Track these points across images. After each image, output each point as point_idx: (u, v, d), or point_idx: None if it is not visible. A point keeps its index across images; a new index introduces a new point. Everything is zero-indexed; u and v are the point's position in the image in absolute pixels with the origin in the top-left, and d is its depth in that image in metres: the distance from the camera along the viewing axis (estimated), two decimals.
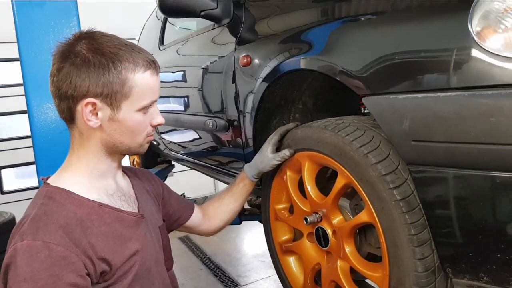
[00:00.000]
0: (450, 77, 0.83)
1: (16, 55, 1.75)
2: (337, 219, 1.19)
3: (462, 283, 0.94)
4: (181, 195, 2.94)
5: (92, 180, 1.01)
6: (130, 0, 4.32)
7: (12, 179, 5.73)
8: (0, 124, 5.65)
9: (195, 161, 2.39)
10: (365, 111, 1.34)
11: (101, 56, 0.93)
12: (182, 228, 1.37)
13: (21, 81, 1.80)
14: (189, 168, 2.83)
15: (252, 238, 4.55)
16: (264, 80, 1.40)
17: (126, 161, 3.32)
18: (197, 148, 2.32)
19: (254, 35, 1.58)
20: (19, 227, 0.90)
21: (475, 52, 0.79)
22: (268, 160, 1.34)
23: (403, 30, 0.93)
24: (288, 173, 1.34)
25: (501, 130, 0.76)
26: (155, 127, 1.06)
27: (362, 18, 1.06)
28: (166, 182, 1.58)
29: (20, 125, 5.28)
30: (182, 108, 2.25)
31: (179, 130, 2.39)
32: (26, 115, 1.82)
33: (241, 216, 2.06)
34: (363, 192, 1.05)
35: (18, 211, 2.27)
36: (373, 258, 1.19)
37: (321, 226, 1.24)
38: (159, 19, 3.13)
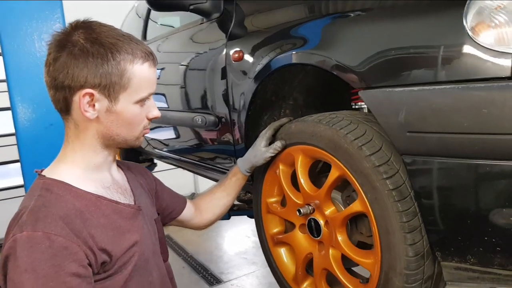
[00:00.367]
0: (444, 70, 0.88)
1: None
2: (329, 210, 1.23)
3: (450, 266, 1.00)
4: (192, 194, 2.94)
5: (88, 172, 1.00)
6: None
7: None
8: None
9: (181, 158, 2.40)
10: (356, 107, 1.38)
11: (100, 46, 0.92)
12: (174, 222, 1.38)
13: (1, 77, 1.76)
14: (172, 167, 2.82)
15: (232, 236, 4.57)
16: (257, 75, 1.43)
17: None
18: (183, 145, 2.32)
19: (245, 30, 1.60)
20: (16, 219, 0.89)
21: (469, 47, 0.85)
22: (261, 153, 1.36)
23: (399, 25, 0.98)
24: (280, 167, 1.38)
25: (492, 120, 0.82)
26: (151, 120, 1.06)
27: (358, 14, 1.10)
28: None
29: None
30: (167, 105, 2.25)
31: (164, 127, 2.38)
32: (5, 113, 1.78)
33: (230, 211, 2.08)
34: (356, 183, 1.10)
35: None
36: (363, 246, 1.24)
37: (313, 217, 1.27)
38: (140, 17, 3.11)
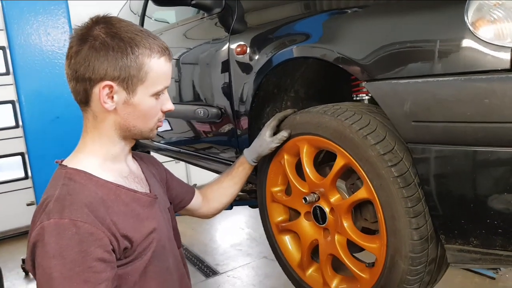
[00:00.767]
0: (448, 63, 0.93)
1: None
2: (335, 198, 1.28)
3: (453, 248, 1.06)
4: (193, 185, 2.97)
5: (107, 162, 1.04)
6: None
7: None
8: None
9: (181, 150, 2.43)
10: (357, 98, 1.43)
11: (120, 40, 0.96)
12: (183, 211, 1.42)
13: None
14: (165, 159, 2.84)
15: (226, 228, 4.63)
16: (261, 69, 1.47)
17: None
18: (183, 137, 2.36)
19: (248, 24, 1.64)
20: (42, 207, 0.92)
21: (470, 41, 0.90)
22: (267, 143, 1.41)
23: (404, 21, 1.03)
24: (285, 157, 1.42)
25: (493, 110, 0.88)
26: (165, 113, 1.10)
27: (364, 8, 1.15)
28: None
29: None
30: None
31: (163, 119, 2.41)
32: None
33: (233, 202, 2.12)
34: (362, 171, 1.15)
35: None
36: (367, 232, 1.29)
37: (318, 205, 1.32)
38: (135, 13, 3.11)
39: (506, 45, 0.87)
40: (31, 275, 3.86)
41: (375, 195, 1.13)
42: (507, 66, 0.86)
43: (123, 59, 0.96)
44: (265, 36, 1.50)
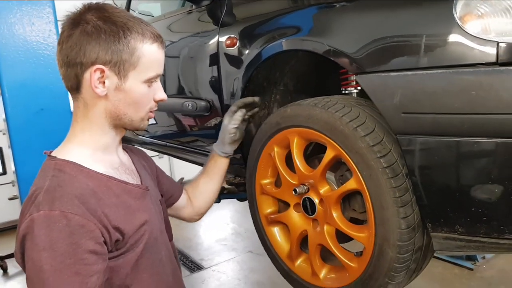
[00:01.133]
0: (436, 56, 0.96)
1: None
2: (324, 189, 1.30)
3: (439, 236, 1.09)
4: (181, 178, 2.96)
5: (98, 153, 1.03)
6: None
7: None
8: None
9: (167, 144, 2.42)
10: (346, 92, 1.46)
11: (112, 24, 0.95)
12: (170, 210, 1.39)
13: None
14: (154, 154, 2.84)
15: (211, 223, 4.63)
16: (251, 61, 1.48)
17: None
18: (170, 131, 2.35)
19: (238, 16, 1.65)
20: (31, 199, 0.90)
21: (458, 35, 0.94)
22: (225, 128, 1.43)
23: (395, 14, 1.06)
24: (275, 149, 1.44)
25: (480, 101, 0.91)
26: (157, 102, 1.09)
27: (357, 2, 1.17)
28: None
29: None
30: None
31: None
32: None
33: (220, 195, 2.13)
34: (352, 162, 1.17)
35: None
36: (355, 222, 1.32)
37: (308, 196, 1.35)
38: (119, 7, 3.08)
39: (492, 39, 0.91)
40: (9, 272, 3.81)
41: (364, 186, 1.15)
42: (493, 59, 0.90)
43: (115, 43, 0.95)
44: (255, 29, 1.51)
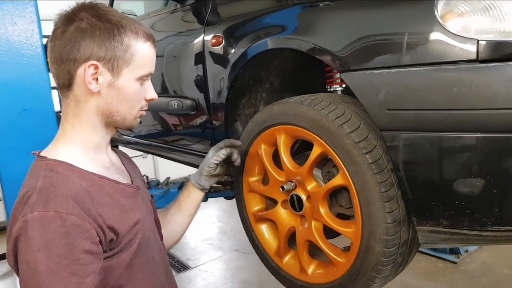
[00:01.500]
0: (419, 54, 0.99)
1: None
2: (311, 186, 1.32)
3: (424, 230, 1.12)
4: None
5: (89, 152, 1.02)
6: None
7: None
8: None
9: (152, 143, 2.42)
10: (331, 90, 1.48)
11: (106, 22, 0.96)
12: None
13: None
14: (135, 154, 2.83)
15: (197, 223, 4.61)
16: (237, 60, 1.49)
17: None
18: (155, 130, 2.34)
19: (223, 15, 1.65)
20: (23, 200, 0.89)
21: (440, 33, 0.96)
22: (207, 161, 1.38)
23: (378, 13, 1.08)
24: (263, 147, 1.45)
25: (461, 98, 0.94)
26: (148, 101, 1.09)
27: (342, 1, 1.19)
28: None
29: None
30: None
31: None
32: None
33: (207, 193, 2.13)
34: (338, 159, 1.19)
35: None
36: (341, 218, 1.34)
37: (295, 193, 1.36)
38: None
39: (472, 37, 0.93)
40: None
41: (351, 181, 1.17)
42: (474, 56, 0.93)
43: (110, 40, 0.95)
44: (241, 27, 1.52)
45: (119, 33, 0.96)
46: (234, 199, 1.76)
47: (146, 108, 1.10)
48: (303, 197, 1.35)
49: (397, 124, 1.05)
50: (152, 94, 1.08)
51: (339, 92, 1.46)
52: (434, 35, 0.97)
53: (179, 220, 1.39)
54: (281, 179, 1.40)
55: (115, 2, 2.87)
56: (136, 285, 1.01)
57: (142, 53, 1.00)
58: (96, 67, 0.95)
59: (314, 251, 1.41)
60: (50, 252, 0.83)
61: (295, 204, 1.37)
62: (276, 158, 1.44)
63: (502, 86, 0.88)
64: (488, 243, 1.09)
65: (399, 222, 1.14)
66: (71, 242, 0.84)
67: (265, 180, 1.52)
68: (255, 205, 1.57)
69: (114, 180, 1.03)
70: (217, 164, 1.37)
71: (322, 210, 1.29)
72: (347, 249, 1.28)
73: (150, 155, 5.47)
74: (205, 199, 2.12)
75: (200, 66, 1.71)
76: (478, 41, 0.92)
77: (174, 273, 3.55)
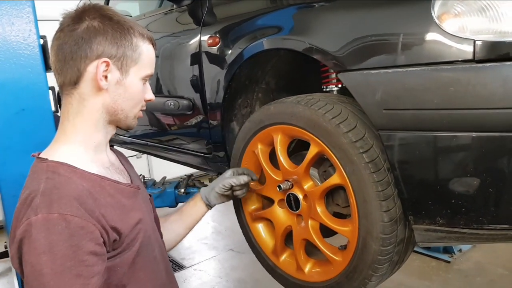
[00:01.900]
0: (416, 54, 1.00)
1: None
2: (308, 185, 1.33)
3: (421, 228, 1.13)
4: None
5: (89, 153, 1.02)
6: None
7: None
8: None
9: (148, 143, 2.41)
10: (327, 90, 1.48)
11: (117, 22, 0.99)
12: None
13: None
14: (132, 154, 2.83)
15: None
16: (234, 60, 1.50)
17: None
18: (152, 130, 2.34)
19: (220, 16, 1.65)
20: (26, 203, 0.88)
21: (436, 34, 0.97)
22: (223, 178, 1.39)
23: (376, 14, 1.09)
24: (259, 146, 1.46)
25: (458, 98, 0.95)
26: (146, 102, 1.11)
27: (336, 2, 1.20)
28: None
29: None
30: None
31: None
32: None
33: None
34: (335, 158, 1.20)
35: None
36: (338, 217, 1.35)
37: (292, 192, 1.37)
38: None
39: (469, 37, 0.94)
40: None
41: (348, 181, 1.18)
42: (470, 57, 0.94)
43: (121, 39, 0.99)
44: (237, 28, 1.53)
45: (129, 33, 1.00)
46: None
47: (144, 108, 1.12)
48: (300, 196, 1.36)
49: (394, 123, 1.06)
50: (150, 95, 1.11)
51: (335, 92, 1.47)
52: (431, 36, 0.98)
53: (176, 229, 1.40)
54: (277, 179, 1.41)
55: (110, 2, 2.85)
56: (138, 283, 1.02)
57: (147, 54, 1.04)
58: (108, 64, 0.98)
59: (310, 250, 1.42)
60: (54, 254, 0.83)
61: (292, 203, 1.38)
62: (272, 157, 1.44)
63: (498, 86, 0.89)
64: (484, 242, 1.10)
65: (395, 221, 1.15)
66: (76, 244, 0.85)
67: (261, 179, 1.52)
68: (251, 204, 1.57)
69: (115, 181, 1.04)
70: (232, 186, 1.39)
71: (319, 209, 1.29)
72: (343, 247, 1.29)
73: (144, 155, 5.46)
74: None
75: (197, 66, 1.71)
76: (474, 41, 0.93)
77: None
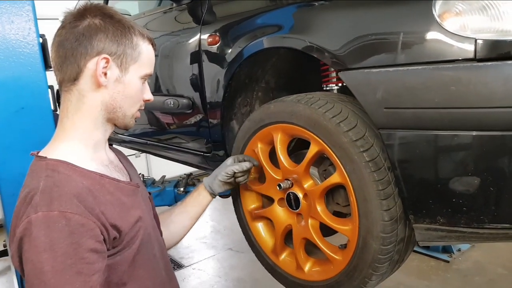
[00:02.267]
0: (417, 53, 1.00)
1: None
2: (308, 184, 1.33)
3: (421, 227, 1.13)
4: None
5: (89, 150, 1.02)
6: None
7: None
8: None
9: (148, 142, 2.41)
10: (327, 88, 1.48)
11: (117, 21, 1.01)
12: None
13: None
14: (131, 153, 2.82)
15: None
16: (234, 59, 1.49)
17: None
18: (151, 129, 2.33)
19: (220, 14, 1.65)
20: (26, 201, 0.88)
21: (438, 33, 0.97)
22: (225, 167, 1.40)
23: (377, 12, 1.09)
24: (259, 145, 1.45)
25: (459, 96, 0.95)
26: (144, 102, 1.11)
27: (341, 0, 1.20)
28: None
29: None
30: None
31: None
32: None
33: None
34: (335, 157, 1.20)
35: None
36: (338, 215, 1.35)
37: (292, 191, 1.37)
38: None
39: (470, 36, 0.94)
40: None
41: (348, 179, 1.18)
42: (471, 55, 0.94)
43: (121, 37, 1.00)
44: (237, 27, 1.52)
45: (130, 32, 1.01)
46: (228, 197, 1.76)
47: (143, 108, 1.12)
48: (300, 195, 1.35)
49: (394, 122, 1.06)
50: (149, 95, 1.11)
51: (335, 91, 1.47)
52: (432, 34, 0.98)
53: (182, 221, 1.40)
54: (277, 177, 1.40)
55: (110, 2, 2.85)
56: (138, 281, 1.02)
57: (147, 53, 1.05)
58: (108, 61, 0.98)
59: (310, 249, 1.42)
60: (55, 252, 0.83)
61: (292, 202, 1.38)
62: (272, 156, 1.44)
63: (499, 84, 0.89)
64: (485, 241, 1.10)
65: (396, 220, 1.15)
66: (76, 241, 0.85)
67: (261, 178, 1.52)
68: (251, 203, 1.57)
69: (114, 178, 1.04)
70: (234, 173, 1.39)
71: (319, 208, 1.29)
72: (344, 246, 1.29)
73: (143, 154, 5.45)
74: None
75: (196, 65, 1.70)
76: (476, 40, 0.93)
77: None
